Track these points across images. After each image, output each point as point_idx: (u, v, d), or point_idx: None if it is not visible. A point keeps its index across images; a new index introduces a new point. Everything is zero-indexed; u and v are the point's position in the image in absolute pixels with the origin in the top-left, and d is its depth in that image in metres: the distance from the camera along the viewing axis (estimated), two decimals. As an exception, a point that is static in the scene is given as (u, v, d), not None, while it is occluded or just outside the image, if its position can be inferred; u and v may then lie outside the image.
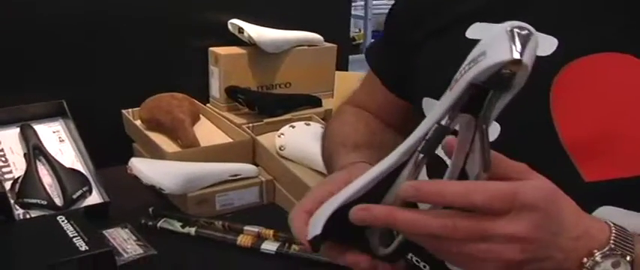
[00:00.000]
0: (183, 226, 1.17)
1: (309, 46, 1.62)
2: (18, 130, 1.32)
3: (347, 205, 0.51)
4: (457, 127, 0.49)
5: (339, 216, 0.51)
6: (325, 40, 1.65)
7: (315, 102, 1.60)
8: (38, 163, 1.26)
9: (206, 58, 1.57)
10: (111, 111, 1.48)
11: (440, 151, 0.50)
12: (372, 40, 4.47)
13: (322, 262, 1.08)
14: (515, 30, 0.42)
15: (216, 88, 1.56)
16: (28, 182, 1.21)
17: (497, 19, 0.57)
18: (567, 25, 0.60)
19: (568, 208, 0.50)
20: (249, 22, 1.54)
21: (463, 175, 0.50)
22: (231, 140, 1.39)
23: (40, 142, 1.30)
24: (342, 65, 1.72)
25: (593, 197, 0.54)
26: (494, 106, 0.45)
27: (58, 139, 1.34)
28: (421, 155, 0.48)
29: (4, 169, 1.24)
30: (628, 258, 0.49)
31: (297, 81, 1.62)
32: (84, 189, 1.23)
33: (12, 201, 1.18)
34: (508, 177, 0.48)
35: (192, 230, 1.16)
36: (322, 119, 1.50)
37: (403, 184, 0.47)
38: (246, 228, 1.15)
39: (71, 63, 1.41)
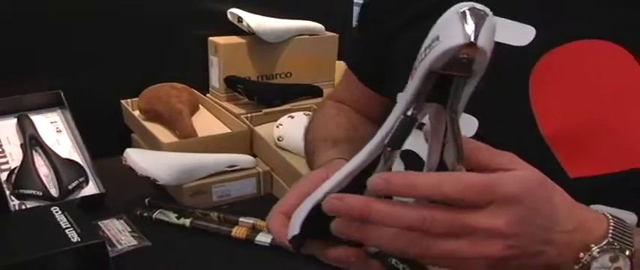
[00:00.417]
0: (178, 218, 1.16)
1: (310, 35, 1.60)
2: (15, 120, 1.32)
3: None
4: (426, 118, 0.47)
5: (318, 214, 0.48)
6: (326, 30, 1.62)
7: (316, 92, 1.58)
8: (35, 153, 1.26)
9: (206, 47, 1.55)
10: (110, 101, 1.47)
11: (417, 147, 0.49)
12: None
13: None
14: (467, 11, 0.40)
15: (215, 78, 1.55)
16: (24, 173, 1.21)
17: None
18: (546, 14, 0.57)
19: (559, 200, 0.47)
20: (248, 11, 1.52)
21: (442, 168, 0.48)
22: (229, 131, 1.38)
23: (37, 132, 1.30)
24: (344, 55, 1.70)
25: (580, 195, 0.50)
26: (461, 93, 0.43)
27: (56, 130, 1.33)
28: (389, 148, 0.45)
29: (0, 160, 1.24)
30: (627, 252, 0.46)
31: (297, 71, 1.60)
32: (80, 180, 1.22)
33: (8, 192, 1.18)
34: (492, 167, 0.46)
35: (187, 222, 1.15)
36: (322, 109, 1.48)
37: (372, 177, 0.44)
38: (241, 220, 1.14)
39: (69, 53, 1.40)
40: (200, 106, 1.51)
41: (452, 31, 0.40)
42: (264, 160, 1.33)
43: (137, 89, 1.45)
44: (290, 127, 1.34)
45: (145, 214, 1.18)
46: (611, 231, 0.47)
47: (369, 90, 0.80)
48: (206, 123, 1.43)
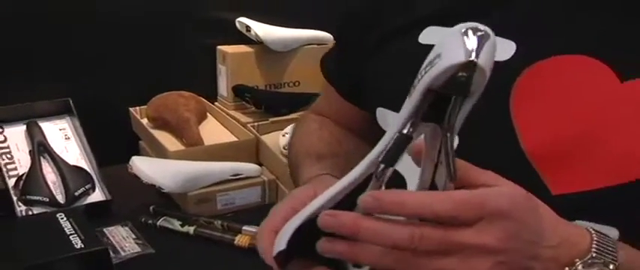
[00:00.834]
0: (182, 225, 1.17)
1: (318, 44, 1.60)
2: (24, 127, 1.33)
3: (313, 220, 0.48)
4: (422, 137, 0.47)
5: (306, 231, 0.48)
6: (334, 39, 1.63)
7: (324, 101, 1.59)
8: (43, 160, 1.27)
9: (214, 56, 1.56)
10: (118, 109, 1.49)
11: (404, 169, 0.48)
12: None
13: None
14: (470, 31, 0.40)
15: (223, 87, 1.56)
16: (32, 179, 1.22)
17: (455, 23, 0.55)
18: (526, 29, 0.57)
19: (544, 215, 0.47)
20: (257, 21, 1.53)
21: (433, 187, 0.48)
22: (235, 139, 1.39)
23: (46, 139, 1.31)
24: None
25: (562, 212, 0.49)
26: (457, 113, 0.42)
27: (64, 137, 1.35)
28: (382, 165, 0.45)
29: (9, 166, 1.25)
30: (611, 266, 0.46)
31: (305, 80, 1.61)
32: (86, 186, 1.24)
33: (15, 198, 1.19)
34: (475, 186, 0.46)
35: (191, 229, 1.15)
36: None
37: (363, 195, 0.44)
38: (244, 228, 1.14)
39: (79, 61, 1.42)
40: (208, 114, 1.51)
41: (453, 49, 0.40)
42: (270, 169, 1.33)
43: (146, 97, 1.46)
44: (296, 136, 1.34)
45: (150, 222, 1.18)
46: (594, 246, 0.47)
47: (348, 103, 0.79)
48: (213, 131, 1.44)
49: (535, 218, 0.46)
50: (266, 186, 1.29)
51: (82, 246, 1.00)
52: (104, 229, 1.16)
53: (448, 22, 0.58)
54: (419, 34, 0.63)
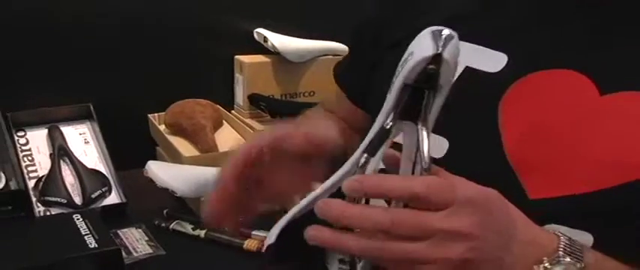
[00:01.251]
0: (193, 229, 1.20)
1: (333, 55, 1.63)
2: (46, 131, 1.38)
3: (301, 218, 0.51)
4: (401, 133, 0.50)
5: (295, 227, 0.51)
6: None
7: (339, 111, 1.61)
8: (62, 163, 1.31)
9: (232, 65, 1.60)
10: (137, 115, 1.53)
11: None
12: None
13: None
14: (437, 32, 0.45)
15: (240, 96, 1.59)
16: (51, 181, 1.26)
17: None
18: (517, 43, 0.60)
19: (515, 215, 0.50)
20: (275, 32, 1.57)
21: None
22: (248, 146, 1.42)
23: (66, 143, 1.35)
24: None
25: (537, 215, 0.52)
26: (430, 107, 0.47)
27: (84, 141, 1.39)
28: (365, 155, 0.49)
29: (29, 168, 1.30)
30: (578, 265, 0.48)
31: (320, 90, 1.63)
32: (103, 189, 1.27)
33: (34, 199, 1.23)
34: None
35: (202, 233, 1.18)
36: (343, 128, 1.51)
37: (347, 180, 0.47)
38: (254, 233, 1.17)
39: (100, 68, 1.46)
40: (224, 122, 1.55)
41: (423, 46, 0.45)
42: (281, 176, 1.35)
43: (164, 104, 1.50)
44: (308, 145, 1.36)
45: (163, 225, 1.22)
46: (562, 247, 0.49)
47: (356, 107, 0.82)
48: (228, 138, 1.47)
49: (505, 214, 0.48)
50: (277, 192, 1.31)
51: (96, 246, 1.03)
52: (119, 231, 1.19)
53: None
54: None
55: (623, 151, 0.53)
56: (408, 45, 0.52)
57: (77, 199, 1.24)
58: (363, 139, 0.79)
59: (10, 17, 1.34)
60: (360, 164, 0.49)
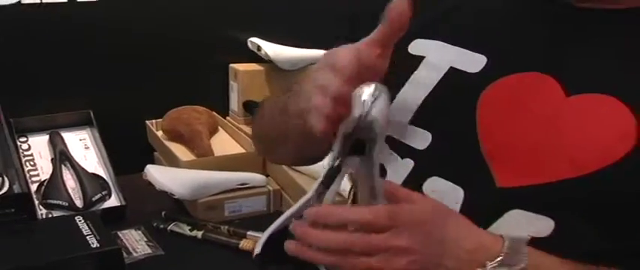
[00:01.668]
0: (191, 230, 1.25)
1: (325, 63, 1.68)
2: (47, 137, 1.43)
3: (282, 230, 0.61)
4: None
5: (276, 239, 0.61)
6: (341, 59, 1.71)
7: (330, 117, 1.66)
8: (63, 167, 1.36)
9: (227, 73, 1.65)
10: (135, 121, 1.57)
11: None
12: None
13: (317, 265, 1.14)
14: (367, 89, 0.53)
15: (235, 102, 1.64)
16: (53, 185, 1.31)
17: (438, 37, 0.67)
18: (495, 47, 0.65)
19: (457, 224, 0.57)
20: (269, 41, 1.62)
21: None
22: (243, 151, 1.47)
23: (67, 148, 1.40)
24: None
25: (503, 201, 0.59)
26: (373, 149, 0.55)
27: (84, 146, 1.44)
28: (322, 186, 0.59)
29: (32, 173, 1.34)
30: (522, 264, 0.55)
31: (313, 97, 1.68)
32: (103, 193, 1.32)
33: (37, 202, 1.28)
34: (402, 202, 0.57)
35: (199, 234, 1.23)
36: (334, 134, 1.56)
37: (308, 209, 0.57)
38: (249, 233, 1.22)
39: (100, 76, 1.51)
40: (219, 128, 1.60)
41: (356, 105, 0.53)
42: (275, 180, 1.41)
43: (161, 111, 1.55)
44: (301, 150, 1.42)
45: (161, 226, 1.26)
46: (505, 250, 0.56)
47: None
48: (224, 144, 1.52)
49: (444, 228, 0.56)
50: (271, 195, 1.36)
51: (98, 245, 1.08)
52: (119, 232, 1.24)
53: (429, 35, 0.69)
54: (405, 44, 0.71)
55: (583, 148, 0.58)
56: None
57: (78, 202, 1.28)
58: None
59: (12, 28, 1.39)
60: (318, 193, 0.59)
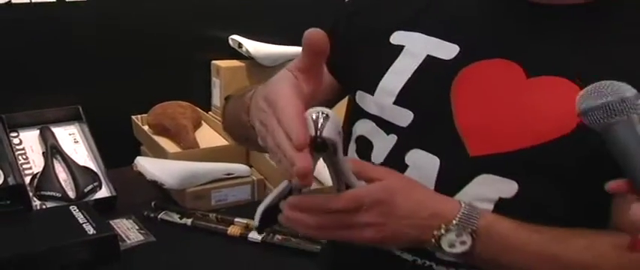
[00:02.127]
0: (180, 218, 1.31)
1: (303, 60, 1.75)
2: (38, 132, 1.48)
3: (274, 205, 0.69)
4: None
5: (270, 212, 0.69)
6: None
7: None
8: (55, 160, 1.41)
9: (209, 70, 1.72)
10: (121, 117, 1.63)
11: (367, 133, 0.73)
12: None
13: (301, 249, 1.22)
14: (315, 115, 0.60)
15: (217, 98, 1.71)
16: (46, 177, 1.36)
17: (417, 29, 0.77)
18: (467, 37, 0.75)
19: (416, 196, 0.68)
20: (248, 38, 1.69)
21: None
22: (227, 143, 1.54)
23: (57, 142, 1.45)
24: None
25: (474, 167, 0.70)
26: (336, 152, 0.62)
27: (73, 141, 1.49)
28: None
29: (24, 166, 1.39)
30: (469, 230, 0.65)
31: (292, 92, 1.76)
32: (94, 184, 1.38)
33: (30, 193, 1.33)
34: (372, 178, 0.67)
35: (189, 221, 1.30)
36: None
37: (288, 200, 0.67)
38: (236, 220, 1.29)
39: (87, 73, 1.56)
40: (202, 122, 1.67)
41: (310, 127, 0.59)
42: (258, 170, 1.48)
43: (147, 106, 1.62)
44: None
45: (152, 215, 1.33)
46: (459, 216, 0.66)
47: (329, 76, 0.89)
48: (207, 137, 1.59)
49: (406, 199, 0.66)
50: (255, 184, 1.44)
51: (94, 232, 1.14)
52: (110, 222, 1.30)
53: (410, 27, 0.79)
54: (387, 35, 0.80)
55: (540, 121, 0.68)
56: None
57: (71, 193, 1.34)
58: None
59: (3, 27, 1.43)
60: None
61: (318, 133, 0.59)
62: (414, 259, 0.76)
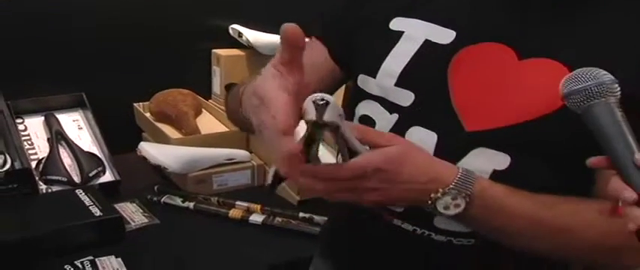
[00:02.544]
0: (183, 201, 1.35)
1: (302, 48, 1.79)
2: (43, 118, 1.52)
3: None
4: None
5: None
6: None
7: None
8: (59, 146, 1.45)
9: (210, 58, 1.76)
10: (124, 104, 1.67)
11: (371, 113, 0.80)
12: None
13: (300, 231, 1.26)
14: (318, 100, 0.62)
15: (217, 86, 1.74)
16: (51, 162, 1.40)
17: (415, 15, 0.81)
18: (462, 23, 0.79)
19: (415, 163, 0.71)
20: (248, 27, 1.72)
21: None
22: (228, 129, 1.58)
23: (62, 128, 1.49)
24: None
25: (470, 142, 0.75)
26: (341, 132, 0.65)
27: (77, 127, 1.53)
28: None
29: (30, 151, 1.43)
30: (464, 194, 0.70)
31: (291, 80, 1.79)
32: (99, 169, 1.41)
33: (36, 178, 1.36)
34: (379, 144, 0.70)
35: (191, 205, 1.34)
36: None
37: (301, 167, 0.69)
38: (237, 203, 1.33)
39: (90, 62, 1.60)
40: (203, 109, 1.70)
41: (310, 111, 0.62)
42: (258, 155, 1.52)
43: (149, 94, 1.65)
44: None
45: (155, 199, 1.37)
46: (455, 180, 0.70)
47: (331, 63, 0.93)
48: (208, 123, 1.63)
49: (406, 166, 0.70)
50: (255, 169, 1.48)
51: (101, 214, 1.18)
52: (115, 205, 1.33)
53: (408, 14, 0.83)
54: (386, 21, 0.84)
55: (531, 98, 0.73)
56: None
57: (76, 178, 1.37)
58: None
59: (7, 18, 1.47)
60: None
61: (320, 115, 0.62)
62: (414, 229, 0.81)
